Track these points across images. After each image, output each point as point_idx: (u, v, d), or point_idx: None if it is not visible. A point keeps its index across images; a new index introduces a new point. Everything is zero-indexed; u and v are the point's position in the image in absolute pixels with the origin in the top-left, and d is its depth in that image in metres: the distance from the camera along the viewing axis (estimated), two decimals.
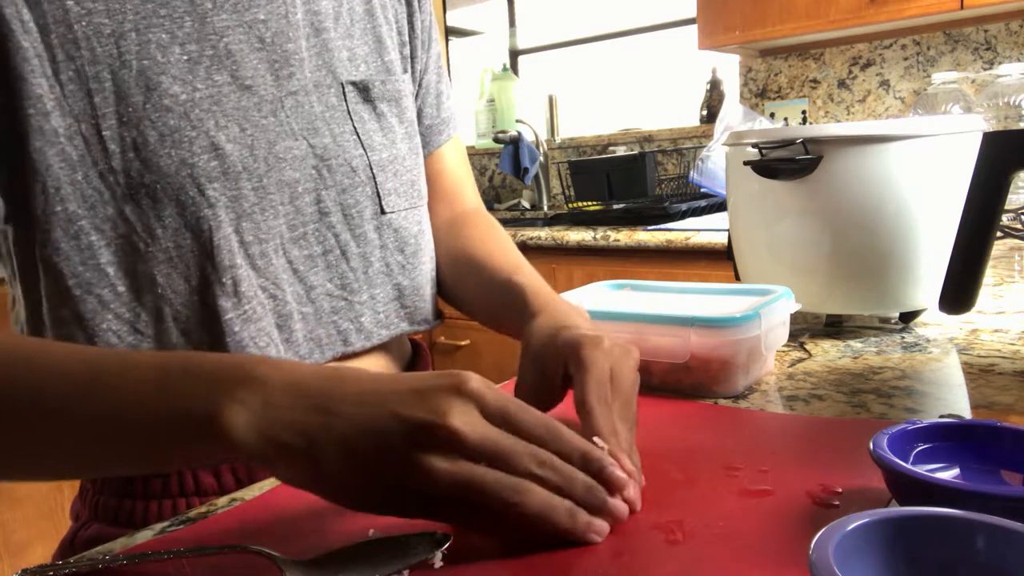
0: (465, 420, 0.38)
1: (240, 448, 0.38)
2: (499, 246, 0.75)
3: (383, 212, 0.68)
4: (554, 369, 0.52)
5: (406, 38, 0.75)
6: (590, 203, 2.45)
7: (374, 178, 0.67)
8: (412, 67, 0.76)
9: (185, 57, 0.56)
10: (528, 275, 0.67)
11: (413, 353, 0.81)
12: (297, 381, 0.40)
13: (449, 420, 0.37)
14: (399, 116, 0.71)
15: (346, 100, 0.66)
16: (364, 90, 0.67)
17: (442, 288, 0.78)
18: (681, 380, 0.66)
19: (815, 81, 2.43)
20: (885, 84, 2.31)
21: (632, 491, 0.43)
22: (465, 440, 0.38)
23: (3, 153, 0.53)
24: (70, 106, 0.53)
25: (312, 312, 0.64)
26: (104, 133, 0.54)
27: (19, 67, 0.51)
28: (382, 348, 0.72)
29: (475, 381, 0.40)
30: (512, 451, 0.39)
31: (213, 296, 0.58)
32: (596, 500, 0.41)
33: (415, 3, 0.76)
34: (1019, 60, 2.09)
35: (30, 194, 0.53)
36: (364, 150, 0.67)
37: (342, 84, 0.66)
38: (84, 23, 0.53)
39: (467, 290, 0.75)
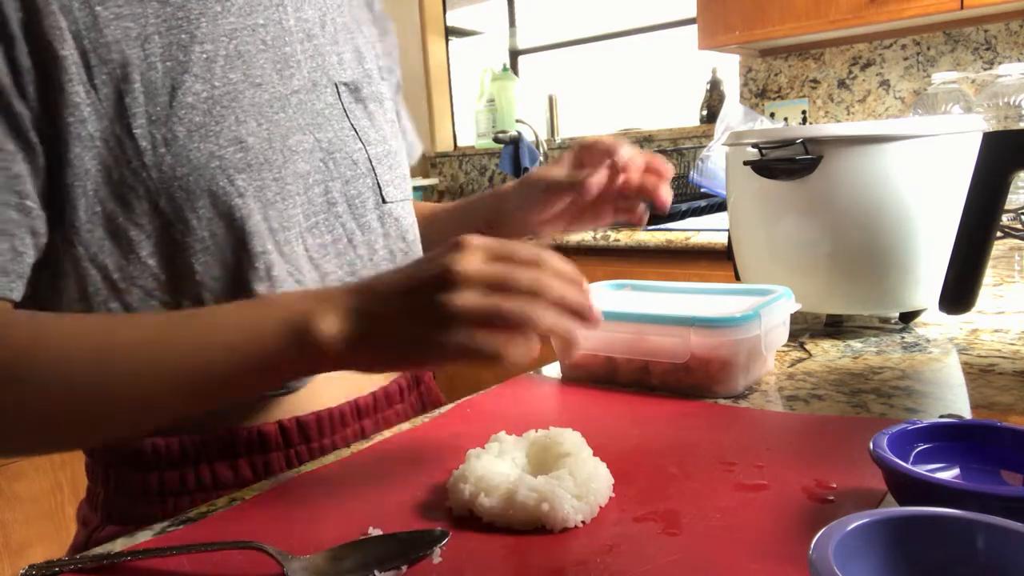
0: (468, 261, 0.47)
1: (328, 342, 0.48)
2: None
3: (384, 202, 0.72)
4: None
5: (378, 51, 0.80)
6: None
7: (374, 170, 0.71)
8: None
9: (204, 56, 0.59)
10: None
11: None
12: (358, 287, 0.51)
13: (453, 266, 0.47)
14: (385, 116, 0.75)
15: (340, 99, 0.70)
16: (355, 90, 0.71)
17: None
18: (681, 380, 0.66)
19: (815, 81, 2.44)
20: (885, 84, 2.31)
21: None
22: (469, 274, 0.47)
23: (46, 162, 0.55)
24: (104, 109, 0.55)
25: None
26: (135, 132, 0.56)
27: (59, 78, 0.54)
28: None
29: (475, 238, 0.49)
30: (511, 275, 0.47)
31: (248, 281, 0.60)
32: (583, 305, 0.48)
33: (381, 27, 0.81)
34: (1019, 60, 2.09)
35: (72, 197, 0.56)
36: (363, 144, 0.71)
37: (335, 84, 0.69)
38: (113, 27, 0.56)
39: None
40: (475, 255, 0.48)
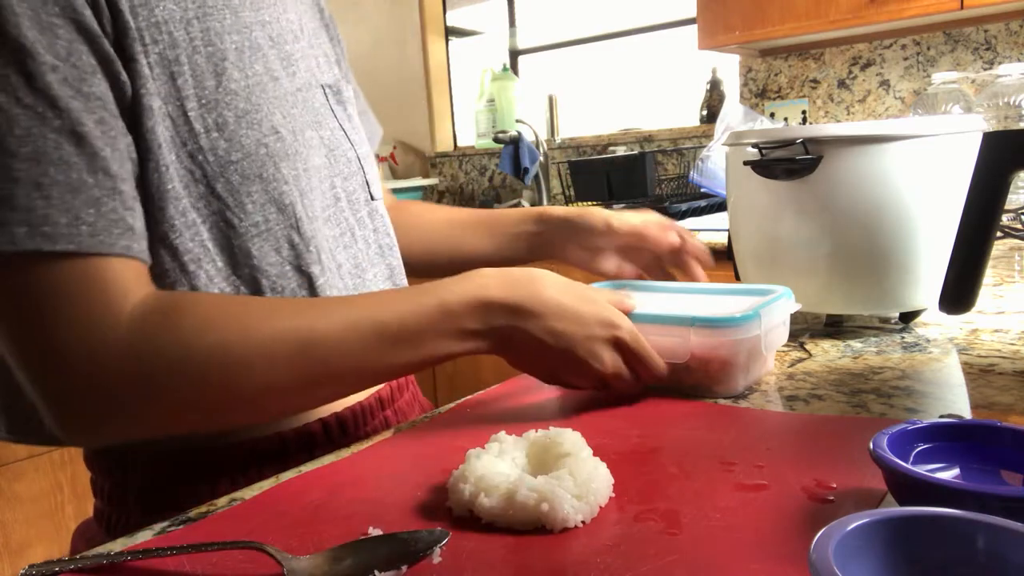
0: (624, 330, 0.61)
1: (474, 335, 0.57)
2: (465, 211, 0.94)
3: (372, 199, 0.74)
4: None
5: (338, 56, 0.81)
6: (590, 203, 2.45)
7: (363, 168, 0.73)
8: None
9: (234, 46, 0.60)
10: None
11: None
12: (517, 303, 0.58)
13: (619, 322, 0.61)
14: (357, 118, 0.77)
15: (328, 100, 0.71)
16: (337, 92, 0.73)
17: (417, 262, 0.89)
18: (681, 380, 0.66)
19: (815, 81, 2.44)
20: (885, 84, 2.31)
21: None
22: (622, 339, 0.61)
23: (130, 131, 0.55)
24: (158, 87, 0.55)
25: (342, 288, 0.68)
26: (190, 114, 0.56)
27: (130, 48, 0.54)
28: None
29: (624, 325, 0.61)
30: (648, 354, 0.62)
31: (306, 264, 0.62)
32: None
33: (333, 33, 0.81)
34: (1019, 60, 2.09)
35: (146, 172, 0.55)
36: (351, 143, 0.72)
37: (322, 86, 0.71)
38: (161, 7, 0.56)
39: (475, 244, 0.91)
40: (627, 327, 0.61)
